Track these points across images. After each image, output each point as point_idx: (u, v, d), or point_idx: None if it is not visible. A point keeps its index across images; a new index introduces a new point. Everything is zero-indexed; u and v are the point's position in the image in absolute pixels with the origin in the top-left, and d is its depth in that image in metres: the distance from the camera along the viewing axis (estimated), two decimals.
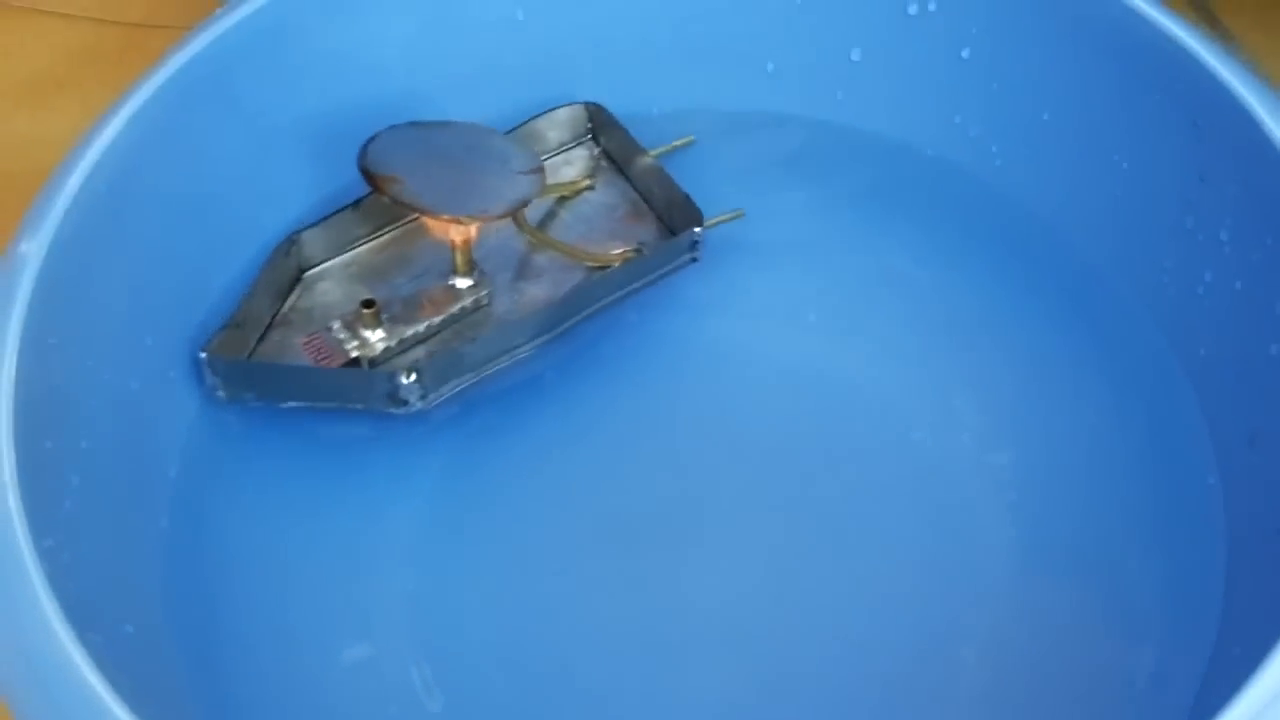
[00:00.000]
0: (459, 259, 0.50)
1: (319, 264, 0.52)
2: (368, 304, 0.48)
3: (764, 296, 0.54)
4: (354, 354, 0.48)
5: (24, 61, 0.64)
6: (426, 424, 0.50)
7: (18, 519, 0.36)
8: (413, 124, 0.49)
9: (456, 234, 0.49)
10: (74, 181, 0.43)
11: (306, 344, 0.48)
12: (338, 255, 0.52)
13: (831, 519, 0.47)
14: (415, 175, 0.47)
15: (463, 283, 0.50)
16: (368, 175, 0.47)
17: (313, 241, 0.51)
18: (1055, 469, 0.48)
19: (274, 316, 0.50)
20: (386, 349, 0.49)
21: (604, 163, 0.56)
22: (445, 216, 0.47)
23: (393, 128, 0.48)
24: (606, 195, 0.55)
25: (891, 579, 0.46)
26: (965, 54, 0.53)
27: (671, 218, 0.54)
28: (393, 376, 0.47)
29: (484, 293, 0.51)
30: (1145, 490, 0.47)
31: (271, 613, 0.46)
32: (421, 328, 0.49)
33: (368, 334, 0.49)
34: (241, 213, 0.51)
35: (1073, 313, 0.51)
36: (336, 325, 0.49)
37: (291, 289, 0.51)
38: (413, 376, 0.47)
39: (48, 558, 0.36)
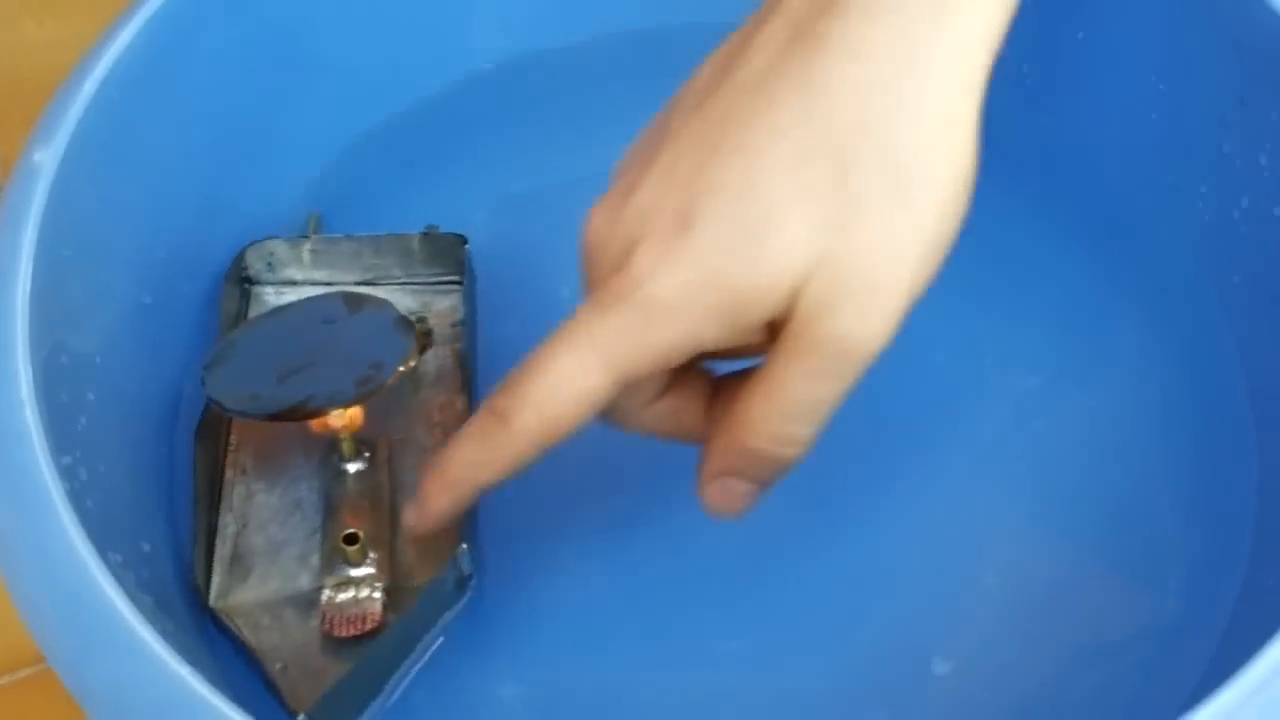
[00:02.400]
0: (346, 446, 0.44)
1: (218, 591, 0.43)
2: (351, 539, 0.42)
3: None
4: (377, 595, 0.41)
5: None
6: None
7: (36, 436, 0.36)
8: (213, 360, 0.43)
9: (338, 420, 0.43)
10: (88, 89, 0.42)
11: (329, 631, 0.41)
12: (214, 563, 0.43)
13: (849, 442, 0.46)
14: (311, 385, 0.42)
15: (357, 465, 0.44)
16: (283, 416, 0.42)
17: (200, 572, 0.43)
18: (1082, 397, 0.48)
19: (250, 652, 0.41)
20: (391, 564, 0.43)
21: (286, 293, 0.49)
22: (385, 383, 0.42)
23: (208, 368, 0.43)
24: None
25: (911, 503, 0.46)
26: None
27: (417, 264, 0.50)
28: (456, 559, 0.42)
29: (384, 453, 0.45)
30: (1175, 419, 0.47)
31: None
32: (387, 522, 0.44)
33: (365, 569, 0.42)
34: (259, 125, 0.50)
35: (1103, 237, 0.51)
36: (329, 593, 0.42)
37: (228, 626, 0.42)
38: (464, 545, 0.42)
39: (66, 475, 0.36)
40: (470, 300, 0.48)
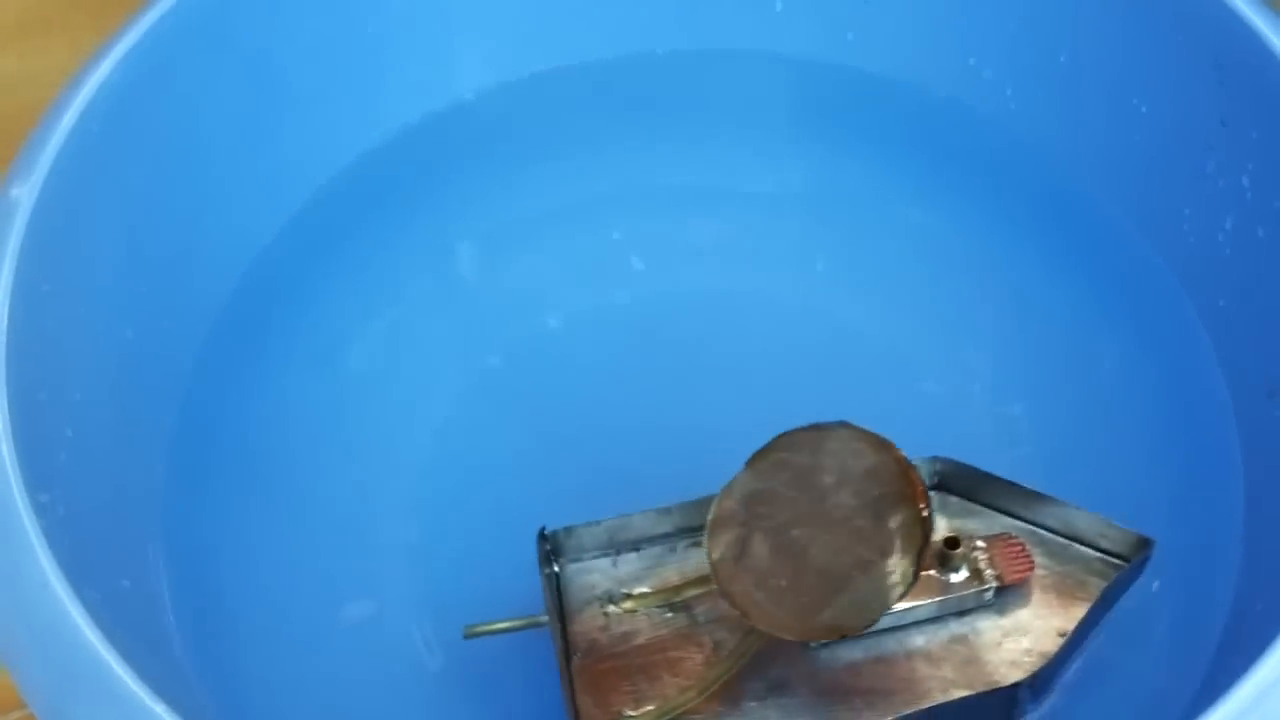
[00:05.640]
0: None
1: None
2: (953, 543, 0.40)
3: (772, 244, 0.53)
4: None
5: (12, 1, 0.63)
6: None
7: (13, 474, 0.36)
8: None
9: None
10: (66, 123, 0.42)
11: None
12: None
13: None
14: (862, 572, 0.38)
15: None
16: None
17: None
18: (1070, 422, 0.47)
19: None
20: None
21: None
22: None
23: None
24: None
25: None
26: None
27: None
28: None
29: None
30: (1162, 444, 0.46)
31: (271, 568, 0.45)
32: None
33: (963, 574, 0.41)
34: (239, 158, 0.50)
35: (1088, 262, 0.51)
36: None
37: None
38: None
39: (44, 513, 0.36)
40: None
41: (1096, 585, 0.41)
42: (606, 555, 0.43)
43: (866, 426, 0.47)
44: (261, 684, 0.42)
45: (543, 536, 0.42)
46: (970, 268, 0.51)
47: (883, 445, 0.39)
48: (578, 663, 0.41)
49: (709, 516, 0.39)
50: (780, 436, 0.40)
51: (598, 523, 0.42)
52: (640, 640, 0.41)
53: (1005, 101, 0.52)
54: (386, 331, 0.51)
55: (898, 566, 0.37)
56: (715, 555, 0.39)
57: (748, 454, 0.46)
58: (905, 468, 0.38)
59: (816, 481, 0.39)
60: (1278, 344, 0.44)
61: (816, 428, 0.39)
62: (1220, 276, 0.47)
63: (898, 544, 0.37)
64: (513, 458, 0.48)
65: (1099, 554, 0.42)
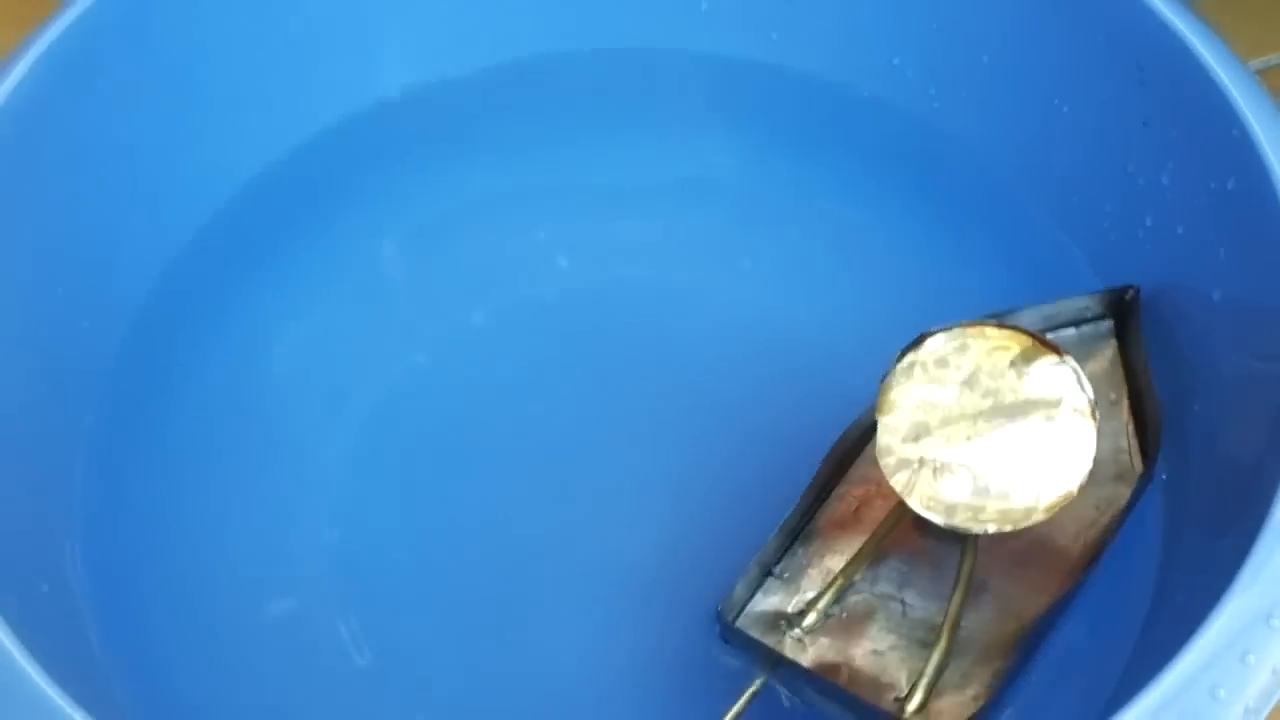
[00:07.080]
0: None
1: None
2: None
3: (698, 242, 0.53)
4: None
5: None
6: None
7: None
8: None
9: None
10: None
11: None
12: None
13: (770, 462, 0.47)
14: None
15: None
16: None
17: None
18: None
19: None
20: None
21: None
22: None
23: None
24: None
25: None
26: None
27: None
28: None
29: None
30: None
31: (192, 567, 0.45)
32: None
33: None
34: (161, 159, 0.49)
35: (1010, 257, 0.51)
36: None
37: None
38: None
39: None
40: None
41: (1105, 350, 0.42)
42: (753, 596, 0.43)
43: (794, 419, 0.47)
44: (184, 686, 0.42)
45: (718, 614, 0.42)
46: (894, 263, 0.52)
47: (974, 326, 0.39)
48: (840, 684, 0.41)
49: (887, 479, 0.39)
50: (884, 380, 0.40)
51: (744, 572, 0.42)
52: (845, 639, 0.42)
53: (929, 100, 0.53)
54: (310, 330, 0.51)
55: (1076, 402, 0.38)
56: (921, 505, 0.38)
57: (674, 449, 0.47)
58: (1011, 330, 0.38)
59: (947, 390, 0.39)
60: (1198, 341, 0.45)
61: (908, 350, 0.40)
62: (1140, 272, 0.47)
63: (1062, 388, 0.38)
64: (437, 455, 0.48)
65: (1090, 325, 0.42)
